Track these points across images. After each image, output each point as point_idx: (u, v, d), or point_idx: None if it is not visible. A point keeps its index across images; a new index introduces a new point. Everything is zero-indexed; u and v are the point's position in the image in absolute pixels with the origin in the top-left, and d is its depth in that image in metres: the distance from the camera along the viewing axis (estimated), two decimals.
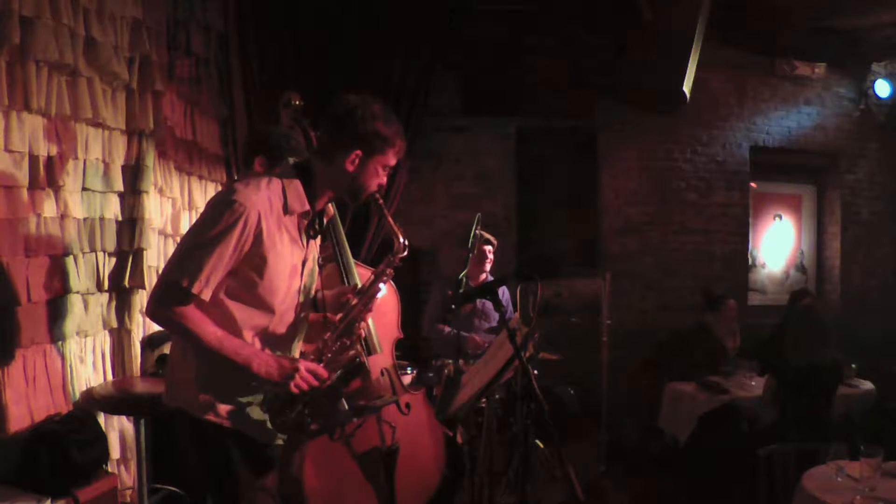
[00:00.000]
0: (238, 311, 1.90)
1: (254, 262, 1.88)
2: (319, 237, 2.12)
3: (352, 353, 2.05)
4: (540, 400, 2.24)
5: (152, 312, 1.86)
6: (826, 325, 4.08)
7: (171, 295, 1.80)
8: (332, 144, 1.98)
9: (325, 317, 2.18)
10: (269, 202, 1.88)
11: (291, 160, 2.04)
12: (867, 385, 4.55)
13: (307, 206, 1.96)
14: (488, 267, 4.34)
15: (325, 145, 2.01)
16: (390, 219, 2.07)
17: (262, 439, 2.00)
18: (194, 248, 1.82)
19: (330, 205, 2.18)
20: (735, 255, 6.37)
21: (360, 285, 2.39)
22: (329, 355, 2.02)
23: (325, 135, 2.01)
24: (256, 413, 1.96)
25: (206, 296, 1.82)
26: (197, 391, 1.90)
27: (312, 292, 2.15)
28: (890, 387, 4.80)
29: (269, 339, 1.98)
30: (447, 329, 4.17)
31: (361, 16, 4.65)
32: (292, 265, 1.98)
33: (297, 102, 2.63)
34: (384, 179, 2.05)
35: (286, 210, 1.92)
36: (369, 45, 4.61)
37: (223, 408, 1.91)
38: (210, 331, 1.82)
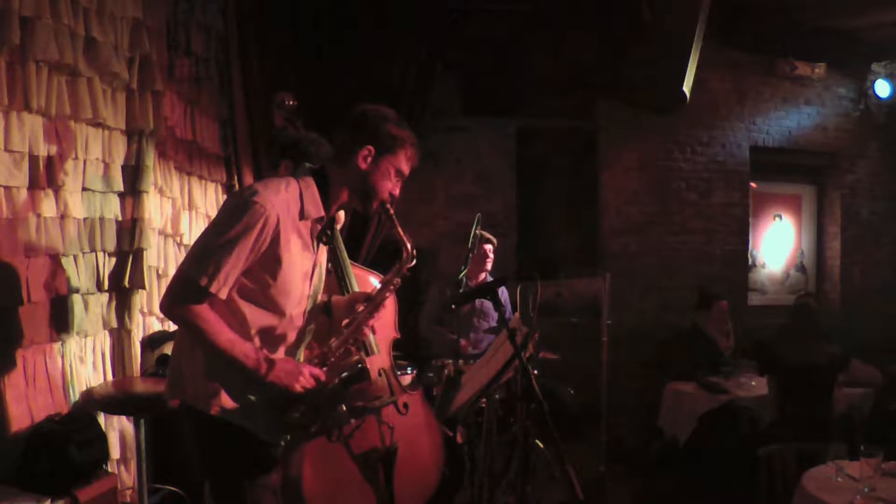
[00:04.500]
0: (248, 310, 1.92)
1: (268, 263, 1.89)
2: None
3: (355, 358, 2.07)
4: (540, 400, 2.24)
5: (167, 309, 1.86)
6: (820, 321, 4.08)
7: (188, 292, 1.81)
8: (345, 145, 2.02)
9: (332, 322, 2.19)
10: (287, 206, 1.90)
11: (308, 165, 2.06)
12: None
13: (322, 212, 1.99)
14: (489, 266, 4.35)
15: (339, 148, 2.05)
16: (400, 229, 2.07)
17: (266, 437, 2.00)
18: (213, 246, 1.82)
19: (341, 213, 2.18)
20: (735, 255, 6.37)
21: (356, 287, 2.40)
22: (332, 360, 2.04)
23: (340, 139, 2.05)
24: (263, 410, 1.97)
25: (224, 295, 1.84)
26: (204, 386, 1.90)
27: (319, 298, 2.16)
28: (890, 387, 4.80)
29: (276, 342, 1.99)
30: (446, 333, 4.18)
31: (361, 16, 4.65)
32: (305, 270, 1.99)
33: (290, 103, 2.64)
34: (397, 189, 2.07)
35: (302, 215, 1.94)
36: (369, 45, 4.60)
37: (230, 403, 1.91)
38: (223, 332, 1.84)
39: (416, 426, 2.54)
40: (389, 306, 2.57)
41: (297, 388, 1.91)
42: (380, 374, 2.49)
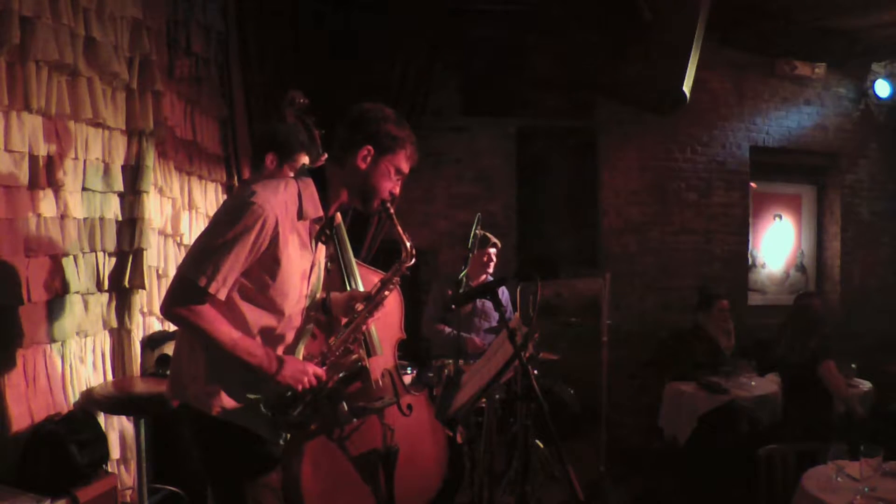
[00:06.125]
0: (249, 311, 1.92)
1: (267, 264, 1.89)
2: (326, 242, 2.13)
3: (354, 356, 2.07)
4: (540, 400, 2.24)
5: (167, 310, 1.86)
6: (820, 320, 4.07)
7: (188, 293, 1.82)
8: (345, 146, 2.01)
9: (330, 320, 2.19)
10: (285, 206, 1.90)
11: (306, 163, 2.06)
12: (867, 385, 4.55)
13: (321, 212, 1.99)
14: (491, 269, 4.33)
15: (338, 148, 2.04)
16: (399, 228, 2.08)
17: (267, 436, 2.00)
18: (212, 247, 1.83)
19: (337, 213, 2.18)
20: (735, 255, 6.37)
21: (361, 286, 2.40)
22: (332, 359, 2.04)
23: (339, 139, 2.04)
24: (263, 410, 1.97)
25: (223, 295, 1.84)
26: (205, 386, 1.91)
27: (318, 296, 2.16)
28: (890, 387, 4.80)
29: (276, 341, 1.99)
30: (447, 329, 4.17)
31: (361, 16, 4.65)
32: (303, 269, 1.99)
33: (301, 101, 2.65)
34: (397, 188, 2.06)
35: (300, 215, 1.94)
36: (369, 45, 4.61)
37: (231, 403, 1.92)
38: (224, 331, 1.84)
39: (419, 428, 2.54)
40: (395, 307, 2.56)
41: (300, 387, 1.91)
42: (383, 375, 2.48)
